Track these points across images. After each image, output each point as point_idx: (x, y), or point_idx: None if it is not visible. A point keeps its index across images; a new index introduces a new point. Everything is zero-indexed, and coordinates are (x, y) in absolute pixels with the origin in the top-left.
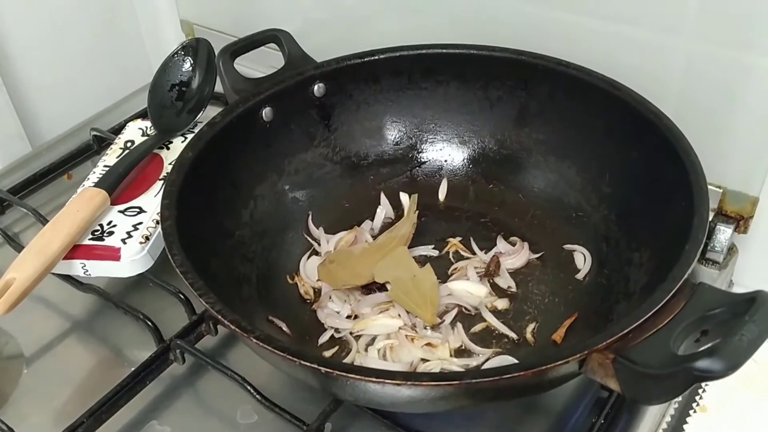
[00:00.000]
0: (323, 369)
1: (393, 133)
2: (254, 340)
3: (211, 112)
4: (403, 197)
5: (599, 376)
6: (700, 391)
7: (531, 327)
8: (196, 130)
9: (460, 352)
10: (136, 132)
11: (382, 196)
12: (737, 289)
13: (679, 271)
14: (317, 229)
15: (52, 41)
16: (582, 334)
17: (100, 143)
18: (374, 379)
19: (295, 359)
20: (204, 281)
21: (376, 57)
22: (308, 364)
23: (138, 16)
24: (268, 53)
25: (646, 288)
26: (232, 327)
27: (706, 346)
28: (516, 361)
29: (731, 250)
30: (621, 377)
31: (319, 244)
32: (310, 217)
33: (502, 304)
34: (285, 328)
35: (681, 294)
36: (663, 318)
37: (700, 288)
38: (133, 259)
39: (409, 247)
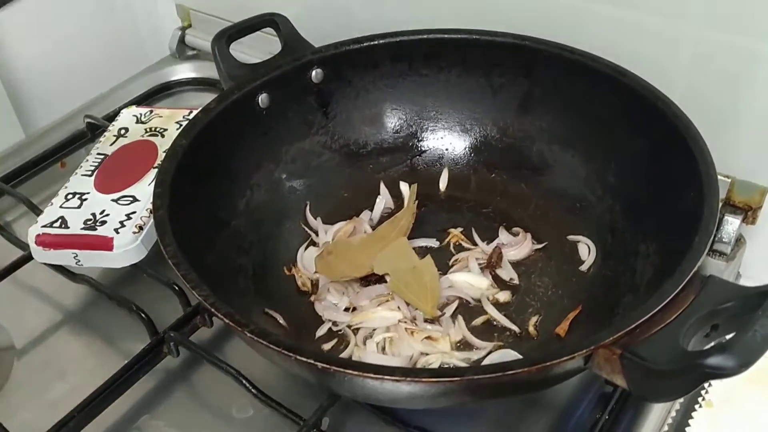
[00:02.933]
0: (320, 364)
1: (393, 121)
2: (248, 334)
3: (206, 98)
4: (403, 187)
5: (605, 372)
6: (706, 385)
7: (534, 320)
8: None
9: (461, 346)
10: (130, 119)
11: (382, 185)
12: (745, 282)
13: (689, 264)
14: (315, 219)
15: (46, 27)
16: (587, 327)
17: (94, 130)
18: (372, 375)
19: (291, 354)
20: (198, 273)
21: (376, 42)
22: (304, 359)
23: (134, 1)
24: (267, 38)
25: (653, 280)
26: (226, 320)
27: (717, 342)
28: (519, 356)
29: (739, 241)
30: (628, 373)
31: (317, 235)
32: (307, 207)
33: (503, 296)
34: (281, 321)
35: (690, 287)
36: (672, 312)
37: (711, 281)
38: (126, 249)
39: (409, 238)
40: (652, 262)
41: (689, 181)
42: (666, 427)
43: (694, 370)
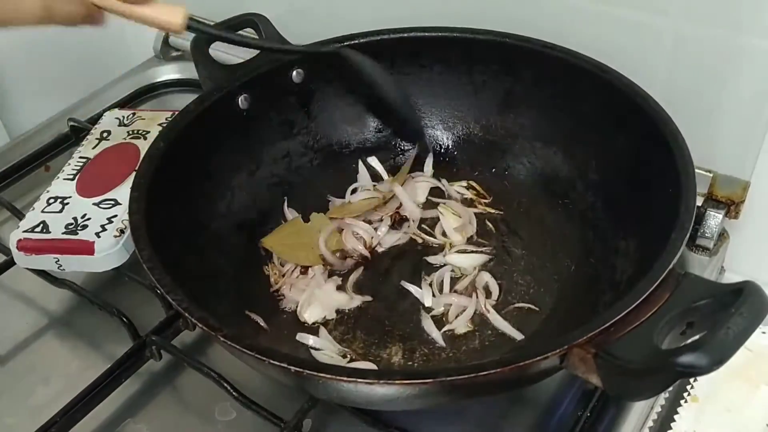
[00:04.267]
0: (293, 368)
1: (375, 120)
2: (221, 338)
3: (191, 100)
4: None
5: (580, 371)
6: (691, 380)
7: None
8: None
9: None
10: (112, 122)
11: (360, 165)
12: (728, 276)
13: (664, 262)
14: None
15: (30, 31)
16: (567, 325)
17: (77, 134)
18: (346, 378)
19: (264, 358)
20: (176, 276)
21: (356, 41)
22: (277, 362)
23: None
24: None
25: (632, 278)
26: (199, 324)
27: (690, 340)
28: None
29: (722, 236)
30: (602, 373)
31: None
32: (285, 203)
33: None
34: (262, 323)
35: (666, 285)
36: (647, 310)
37: (686, 278)
38: (107, 253)
39: None
40: (632, 260)
41: (668, 178)
42: (651, 423)
43: (666, 369)
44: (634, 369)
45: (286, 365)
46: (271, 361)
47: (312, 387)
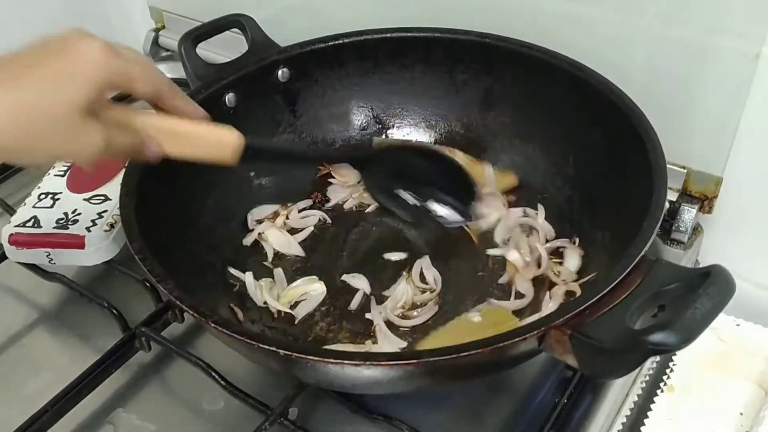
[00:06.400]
0: (282, 351)
1: (359, 118)
2: (212, 325)
3: None
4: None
5: (557, 352)
6: (667, 370)
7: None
8: None
9: None
10: None
11: None
12: None
13: (636, 248)
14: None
15: (17, 28)
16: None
17: None
18: (333, 360)
19: (254, 342)
20: (165, 268)
21: (341, 41)
22: (266, 346)
23: (106, 3)
24: (239, 39)
25: (608, 267)
26: (190, 312)
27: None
28: None
29: (696, 230)
30: (578, 353)
31: None
32: None
33: None
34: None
35: (638, 270)
36: (620, 294)
37: (657, 264)
38: (97, 246)
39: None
40: (608, 250)
41: (641, 172)
42: (628, 411)
43: (638, 347)
44: (608, 348)
45: (275, 348)
46: (261, 345)
47: (299, 370)
